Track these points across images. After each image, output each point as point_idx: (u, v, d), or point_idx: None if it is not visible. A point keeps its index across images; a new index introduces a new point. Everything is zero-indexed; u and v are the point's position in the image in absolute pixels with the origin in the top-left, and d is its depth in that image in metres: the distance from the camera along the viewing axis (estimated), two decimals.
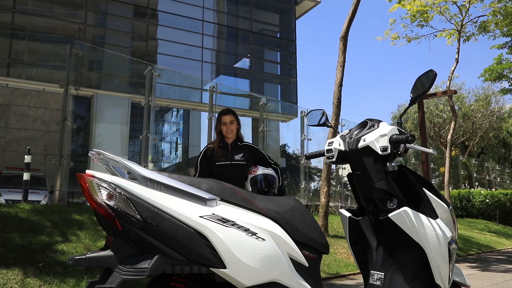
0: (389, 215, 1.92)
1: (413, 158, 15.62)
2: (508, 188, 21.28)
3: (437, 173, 21.55)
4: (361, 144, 2.00)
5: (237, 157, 3.25)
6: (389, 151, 1.98)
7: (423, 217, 1.94)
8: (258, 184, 3.07)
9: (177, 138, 30.67)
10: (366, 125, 2.11)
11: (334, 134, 4.06)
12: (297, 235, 1.72)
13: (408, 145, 1.96)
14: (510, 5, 12.41)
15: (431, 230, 1.93)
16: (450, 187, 14.01)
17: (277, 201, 1.76)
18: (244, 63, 24.46)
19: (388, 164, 2.09)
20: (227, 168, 3.21)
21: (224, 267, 1.49)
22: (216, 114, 4.49)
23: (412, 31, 22.55)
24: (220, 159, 3.24)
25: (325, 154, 2.18)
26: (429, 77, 2.10)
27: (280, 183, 3.20)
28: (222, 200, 1.59)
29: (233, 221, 1.53)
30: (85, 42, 18.02)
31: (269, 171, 3.15)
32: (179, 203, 1.49)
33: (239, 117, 3.44)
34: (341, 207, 5.49)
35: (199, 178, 1.69)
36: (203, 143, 17.98)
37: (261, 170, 3.12)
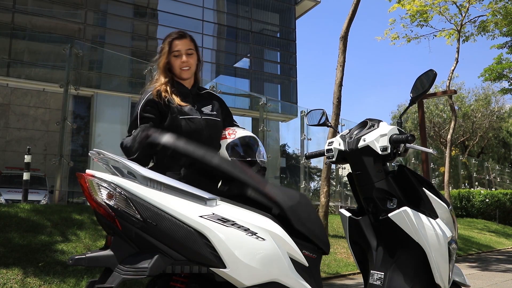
0: (389, 215, 1.92)
1: (413, 158, 15.63)
2: (508, 188, 21.29)
3: (437, 172, 21.59)
4: (361, 144, 2.00)
5: (206, 109, 2.09)
6: (389, 151, 1.98)
7: (423, 217, 1.94)
8: (241, 152, 2.10)
9: None
10: (366, 125, 2.11)
11: (334, 134, 4.06)
12: (300, 225, 1.72)
13: (408, 145, 1.97)
14: (509, 5, 12.42)
15: (431, 230, 1.93)
16: (450, 187, 14.02)
17: (285, 190, 1.78)
18: (244, 63, 24.47)
19: (388, 164, 2.09)
20: (199, 125, 2.02)
21: (224, 267, 1.49)
22: None
23: (411, 31, 22.54)
24: (185, 109, 2.01)
25: (325, 154, 2.18)
26: (429, 77, 2.10)
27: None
28: (222, 200, 1.60)
29: (233, 221, 1.53)
30: (85, 42, 18.03)
31: (247, 132, 2.18)
32: (179, 202, 1.49)
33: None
34: (341, 207, 5.49)
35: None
36: None
37: (241, 132, 2.13)
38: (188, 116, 2.00)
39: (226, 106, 2.26)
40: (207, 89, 2.23)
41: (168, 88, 2.02)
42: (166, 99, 1.99)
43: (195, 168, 1.91)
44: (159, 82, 2.05)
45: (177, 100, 2.00)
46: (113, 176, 1.48)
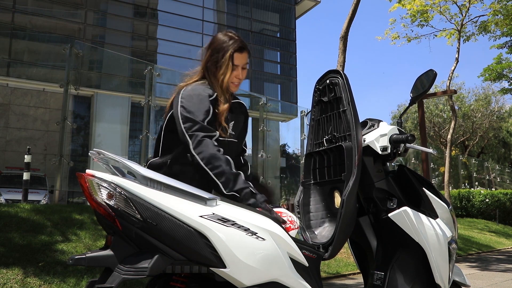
0: (389, 214, 1.92)
1: (413, 158, 15.62)
2: (508, 188, 21.29)
3: (437, 172, 21.59)
4: None
5: (229, 127, 1.89)
6: (389, 150, 1.98)
7: (423, 217, 1.94)
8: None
9: None
10: (366, 124, 2.11)
11: None
12: None
13: (408, 144, 1.97)
14: (510, 5, 12.41)
15: (431, 230, 1.93)
16: (450, 187, 14.02)
17: None
18: None
19: (388, 163, 2.09)
20: (222, 147, 1.73)
21: (224, 267, 1.49)
22: None
23: (412, 31, 22.61)
24: (221, 130, 1.81)
25: None
26: (429, 77, 2.11)
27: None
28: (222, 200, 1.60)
29: (233, 221, 1.53)
30: (85, 41, 18.04)
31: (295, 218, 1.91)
32: (179, 202, 1.49)
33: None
34: None
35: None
36: None
37: (296, 220, 1.86)
38: (220, 137, 1.79)
39: (247, 123, 2.04)
40: (238, 99, 1.99)
41: (225, 118, 1.81)
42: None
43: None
44: (224, 106, 1.81)
45: (223, 116, 1.81)
46: (113, 176, 1.47)
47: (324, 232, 1.97)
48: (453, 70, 12.71)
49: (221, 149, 1.67)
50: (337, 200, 1.97)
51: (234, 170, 1.65)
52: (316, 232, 1.99)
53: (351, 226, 1.84)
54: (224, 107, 1.81)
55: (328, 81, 2.03)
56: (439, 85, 25.05)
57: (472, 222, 14.13)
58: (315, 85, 2.12)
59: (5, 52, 17.33)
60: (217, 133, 1.71)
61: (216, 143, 1.67)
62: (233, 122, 1.91)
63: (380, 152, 1.98)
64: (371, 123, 2.09)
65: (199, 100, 1.76)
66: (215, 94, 1.82)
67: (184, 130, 1.70)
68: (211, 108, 1.75)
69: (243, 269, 1.50)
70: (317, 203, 2.07)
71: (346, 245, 2.07)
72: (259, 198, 1.65)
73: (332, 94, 2.01)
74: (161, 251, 1.45)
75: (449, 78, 12.95)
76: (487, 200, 16.18)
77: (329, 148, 2.00)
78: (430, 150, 2.15)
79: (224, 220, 1.52)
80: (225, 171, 1.62)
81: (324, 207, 2.04)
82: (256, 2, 24.86)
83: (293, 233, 1.82)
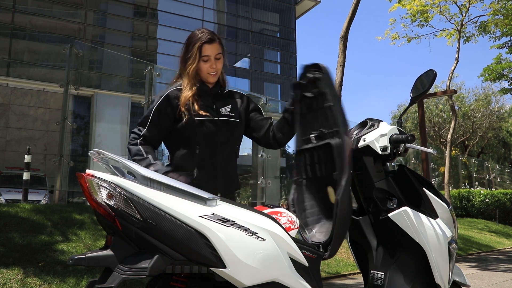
0: (389, 214, 1.92)
1: (413, 158, 15.62)
2: (508, 188, 21.28)
3: (437, 172, 21.58)
4: (361, 143, 2.01)
5: (224, 110, 2.01)
6: (389, 150, 1.98)
7: (423, 216, 1.94)
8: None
9: None
10: (366, 124, 2.11)
11: None
12: None
13: (408, 144, 1.96)
14: (510, 4, 12.40)
15: (431, 230, 1.93)
16: (450, 187, 14.01)
17: None
18: (244, 62, 24.47)
19: (388, 163, 2.09)
20: (214, 126, 1.95)
21: (224, 267, 1.49)
22: None
23: (412, 31, 22.63)
24: (200, 111, 1.93)
25: None
26: (429, 76, 2.11)
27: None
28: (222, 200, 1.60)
29: (233, 221, 1.53)
30: (85, 41, 18.05)
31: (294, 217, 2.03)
32: (179, 202, 1.49)
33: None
34: None
35: None
36: None
37: (296, 220, 1.99)
38: (204, 117, 1.93)
39: (250, 101, 2.15)
40: (229, 89, 2.12)
41: (196, 105, 1.93)
42: (176, 104, 1.94)
43: (208, 169, 1.93)
44: (186, 93, 1.94)
45: (195, 101, 1.93)
46: (113, 176, 1.47)
47: (322, 228, 1.97)
48: (453, 70, 12.71)
49: (137, 141, 1.94)
50: (331, 195, 1.96)
51: (142, 156, 1.87)
52: (314, 230, 1.99)
53: (348, 222, 1.83)
54: (185, 94, 1.96)
55: (310, 76, 1.99)
56: (439, 85, 25.08)
57: (472, 222, 14.13)
58: (298, 81, 2.07)
59: (5, 52, 17.33)
60: (141, 133, 1.96)
61: (133, 142, 1.94)
62: (230, 106, 2.05)
63: (380, 152, 1.98)
64: (371, 123, 2.09)
65: (151, 103, 2.01)
66: (168, 91, 1.97)
67: None
68: (153, 111, 1.96)
69: (243, 269, 1.51)
70: (312, 200, 2.05)
71: (346, 245, 2.07)
72: (157, 164, 1.84)
73: (316, 89, 1.97)
74: (161, 251, 1.45)
75: (449, 78, 12.95)
76: (487, 200, 16.18)
77: (318, 145, 1.97)
78: (430, 150, 2.15)
79: (224, 220, 1.52)
80: (135, 160, 1.88)
81: (318, 203, 2.03)
82: (256, 2, 24.87)
83: (293, 233, 1.85)
